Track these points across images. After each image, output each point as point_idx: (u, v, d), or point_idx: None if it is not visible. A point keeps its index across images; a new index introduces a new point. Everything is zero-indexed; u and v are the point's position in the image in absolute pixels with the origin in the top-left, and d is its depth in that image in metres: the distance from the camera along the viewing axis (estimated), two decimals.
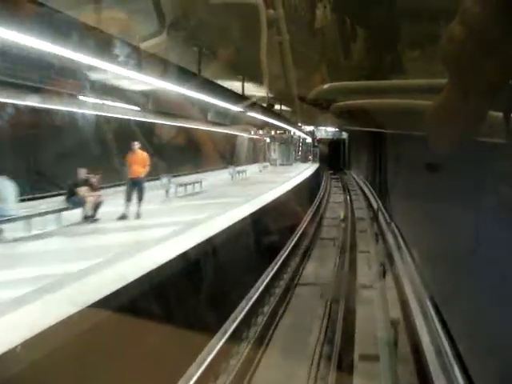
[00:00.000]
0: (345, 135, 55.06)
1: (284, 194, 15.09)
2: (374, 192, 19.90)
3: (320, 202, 19.62)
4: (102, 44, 4.73)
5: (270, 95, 16.10)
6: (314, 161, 47.23)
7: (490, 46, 0.89)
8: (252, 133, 33.01)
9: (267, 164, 29.37)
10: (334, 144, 53.55)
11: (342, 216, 15.56)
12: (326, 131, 57.99)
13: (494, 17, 0.85)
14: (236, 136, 29.92)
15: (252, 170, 26.31)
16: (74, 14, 4.33)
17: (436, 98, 1.13)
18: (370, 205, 18.98)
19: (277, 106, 19.54)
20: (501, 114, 1.09)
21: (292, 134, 34.10)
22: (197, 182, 15.64)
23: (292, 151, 38.30)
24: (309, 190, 21.36)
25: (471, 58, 0.93)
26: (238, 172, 20.98)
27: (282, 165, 35.31)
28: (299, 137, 46.76)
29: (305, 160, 47.75)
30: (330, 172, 48.97)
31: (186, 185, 14.30)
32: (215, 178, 20.96)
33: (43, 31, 3.80)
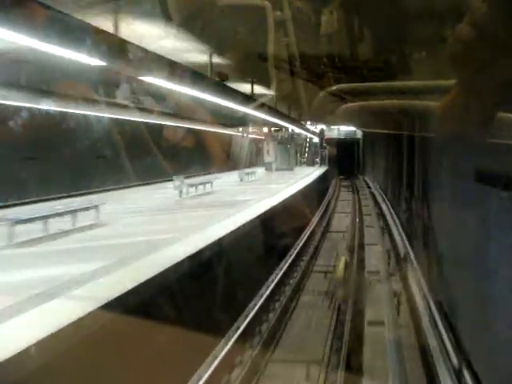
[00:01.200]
0: (359, 135, 48.08)
1: (242, 229, 8.42)
2: (394, 213, 13.04)
3: (312, 234, 12.75)
4: None
5: (215, 59, 9.37)
6: (322, 164, 40.25)
7: (498, 45, 0.97)
8: (240, 129, 26.27)
9: (254, 170, 22.51)
10: (346, 145, 46.59)
11: (340, 269, 8.67)
12: (339, 130, 51.46)
13: (502, 17, 0.93)
14: (213, 134, 23.24)
15: (226, 179, 19.56)
16: None
17: (444, 99, 1.22)
18: (389, 236, 12.14)
19: (246, 86, 13.01)
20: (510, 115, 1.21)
21: (291, 131, 27.15)
22: (91, 208, 9.05)
23: (293, 153, 31.33)
24: (300, 210, 14.53)
25: (480, 58, 1.01)
26: (194, 185, 14.24)
27: (279, 170, 28.48)
28: (306, 136, 40.16)
29: (312, 163, 40.92)
30: (341, 177, 42.02)
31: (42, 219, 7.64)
32: (156, 193, 14.32)
33: None
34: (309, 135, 38.15)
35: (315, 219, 14.77)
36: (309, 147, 43.18)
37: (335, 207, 19.60)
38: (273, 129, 25.83)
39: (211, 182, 15.85)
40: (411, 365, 5.14)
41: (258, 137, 29.99)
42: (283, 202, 12.93)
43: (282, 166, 29.40)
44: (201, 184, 14.98)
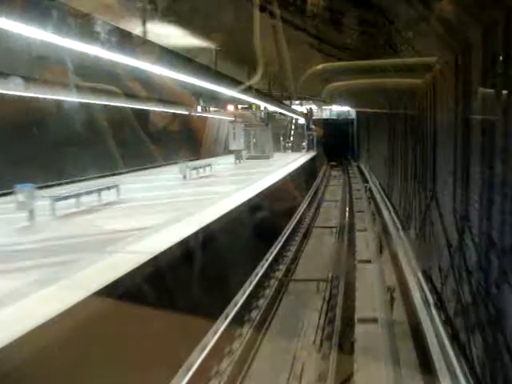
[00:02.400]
0: (353, 114, 42.27)
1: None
2: (413, 255, 7.37)
3: (250, 302, 6.97)
4: None
5: None
6: (309, 149, 34.46)
7: (481, 23, 1.52)
8: (198, 108, 20.30)
9: (208, 162, 16.58)
10: (336, 127, 40.86)
11: None
12: (331, 111, 45.82)
13: None
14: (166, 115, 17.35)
15: (165, 176, 13.82)
16: None
17: (427, 75, 3.06)
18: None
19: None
20: (492, 91, 1.64)
21: (263, 109, 21.19)
22: None
23: (271, 137, 25.44)
24: (246, 237, 8.79)
25: (462, 36, 1.83)
26: (71, 196, 8.48)
27: (252, 158, 22.72)
28: (291, 118, 34.46)
29: (298, 148, 35.16)
30: (332, 164, 36.37)
31: None
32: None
33: None
34: (295, 116, 32.34)
35: (270, 256, 8.95)
36: (295, 130, 37.28)
37: (316, 217, 13.80)
38: (240, 106, 19.88)
39: (116, 187, 10.10)
40: None
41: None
42: (214, 225, 7.22)
43: (256, 154, 23.63)
44: (91, 192, 9.23)
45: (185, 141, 23.49)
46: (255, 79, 10.47)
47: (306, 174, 21.40)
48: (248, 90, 13.46)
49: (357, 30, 6.73)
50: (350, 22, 6.39)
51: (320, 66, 8.59)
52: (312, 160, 27.70)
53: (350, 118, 43.03)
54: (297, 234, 11.11)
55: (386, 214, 10.25)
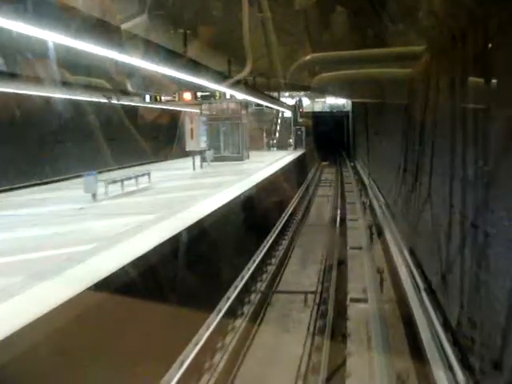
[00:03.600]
0: (348, 107, 37.59)
1: None
2: None
3: None
4: None
5: None
6: (297, 147, 29.75)
7: (469, 16, 1.43)
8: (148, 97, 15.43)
9: (142, 171, 11.68)
10: (329, 121, 36.15)
11: None
12: (324, 103, 41.43)
13: None
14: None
15: (62, 197, 9.08)
16: None
17: (416, 65, 2.55)
18: None
19: None
20: (482, 80, 1.46)
21: (229, 98, 16.26)
22: None
23: (246, 133, 20.60)
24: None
25: (451, 29, 1.64)
26: None
27: (220, 160, 17.99)
28: (277, 111, 29.97)
29: (285, 145, 30.56)
30: (324, 163, 31.76)
31: None
32: None
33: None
34: (281, 109, 27.61)
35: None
36: (281, 124, 32.60)
37: (286, 263, 9.01)
38: (199, 94, 15.05)
39: None
40: None
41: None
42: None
43: (225, 155, 18.87)
44: None
45: (149, 139, 18.75)
46: (245, 73, 9.23)
47: (287, 181, 16.65)
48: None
49: (347, 21, 6.57)
50: (339, 14, 6.20)
51: (309, 56, 8.27)
52: (299, 160, 23.05)
53: (344, 110, 38.43)
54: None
55: (406, 282, 5.53)
